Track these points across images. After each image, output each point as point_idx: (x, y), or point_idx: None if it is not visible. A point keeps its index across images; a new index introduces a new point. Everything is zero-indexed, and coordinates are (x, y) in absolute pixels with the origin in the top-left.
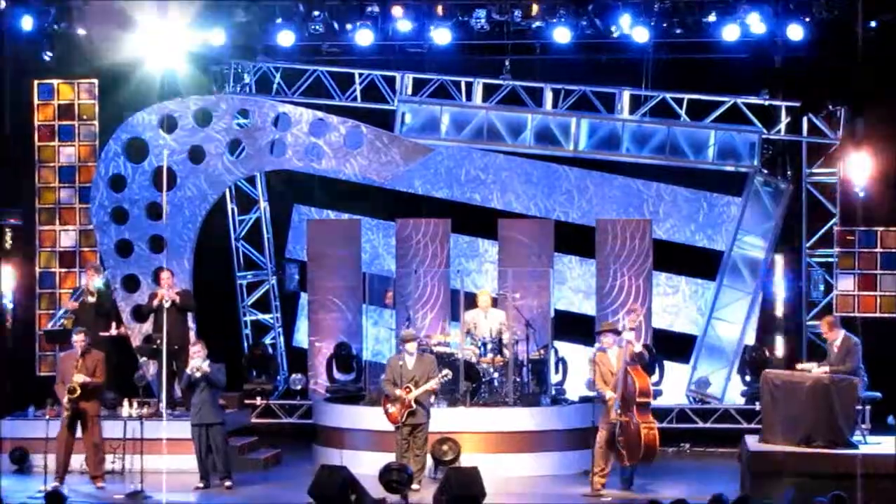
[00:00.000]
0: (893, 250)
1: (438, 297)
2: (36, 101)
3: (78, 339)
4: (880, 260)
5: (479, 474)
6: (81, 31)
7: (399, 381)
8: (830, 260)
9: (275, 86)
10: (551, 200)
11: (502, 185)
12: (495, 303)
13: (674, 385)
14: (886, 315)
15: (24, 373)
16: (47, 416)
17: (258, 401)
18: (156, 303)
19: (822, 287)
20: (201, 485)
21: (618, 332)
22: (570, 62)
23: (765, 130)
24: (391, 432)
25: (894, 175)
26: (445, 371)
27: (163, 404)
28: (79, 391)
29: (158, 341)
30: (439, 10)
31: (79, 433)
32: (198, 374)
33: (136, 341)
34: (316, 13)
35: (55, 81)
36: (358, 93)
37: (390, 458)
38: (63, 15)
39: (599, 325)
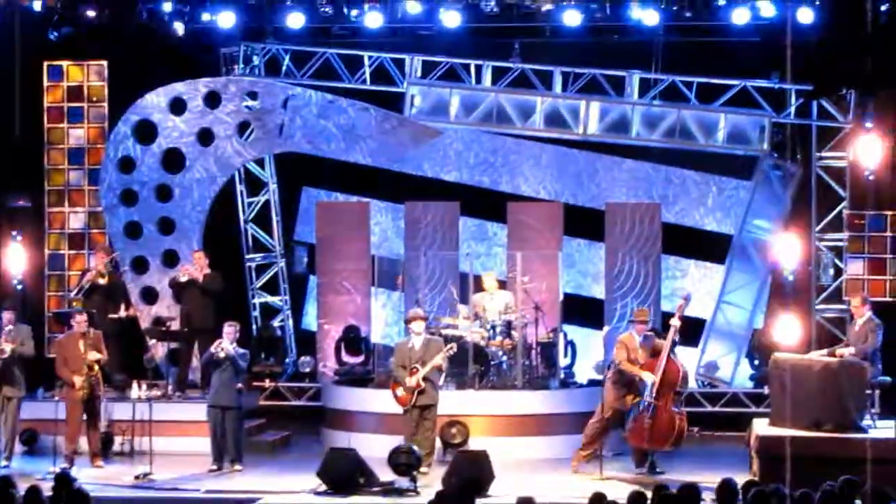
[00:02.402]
0: None
1: (447, 281)
2: (45, 83)
3: (81, 319)
4: (890, 244)
5: (488, 457)
6: (91, 13)
7: (408, 365)
8: (840, 244)
9: (284, 68)
10: (560, 184)
11: (511, 169)
12: (503, 285)
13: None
14: None
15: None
16: (56, 398)
17: (267, 383)
18: (182, 279)
19: (831, 271)
20: (214, 467)
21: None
22: (580, 45)
23: (774, 114)
24: (400, 415)
25: None
26: (450, 345)
27: (171, 386)
28: (96, 368)
29: (168, 323)
30: None
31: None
32: (221, 355)
33: (144, 323)
34: None
35: (65, 63)
36: (367, 75)
37: (399, 440)
38: None
39: (636, 313)
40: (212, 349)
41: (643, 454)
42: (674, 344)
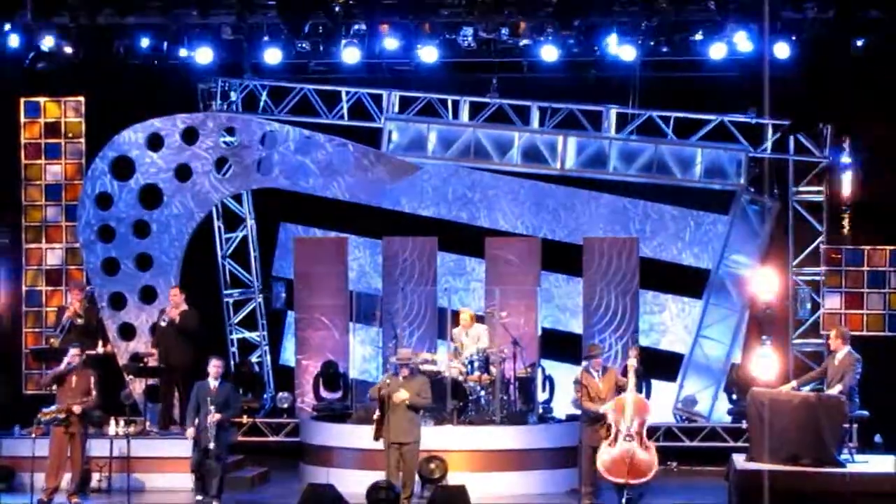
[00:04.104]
0: (880, 268)
1: (425, 316)
2: (22, 119)
3: (74, 352)
4: (867, 278)
5: (467, 493)
6: (68, 49)
7: (387, 401)
8: (817, 278)
9: (261, 104)
10: (538, 218)
11: (489, 204)
12: (480, 320)
13: (661, 403)
14: (873, 333)
15: (11, 391)
16: (33, 435)
17: (245, 419)
18: (163, 324)
19: (808, 305)
20: (200, 497)
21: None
22: (558, 80)
23: (751, 149)
24: (378, 451)
25: (881, 193)
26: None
27: (149, 423)
28: (76, 409)
29: (145, 360)
30: (426, 27)
31: None
32: (213, 428)
33: (122, 359)
34: (298, 30)
35: (42, 99)
36: (345, 111)
37: (377, 476)
38: (50, 33)
39: (588, 348)
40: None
41: (620, 489)
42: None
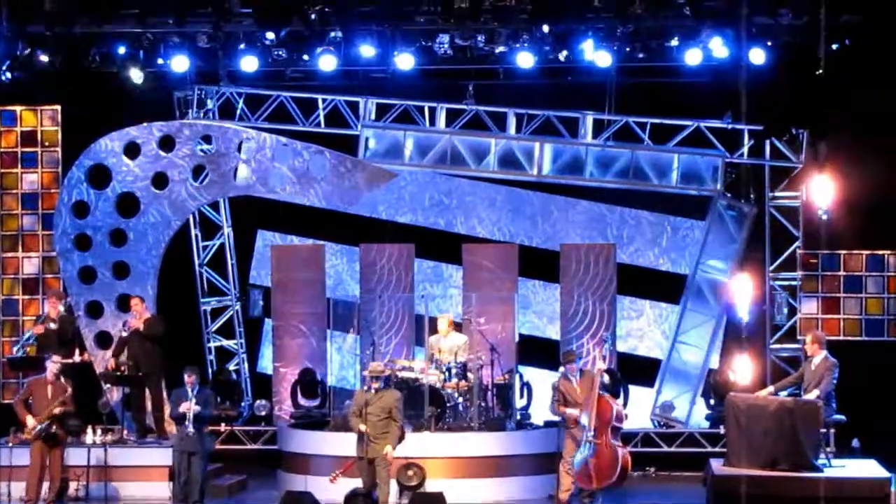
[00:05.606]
0: (856, 273)
1: (403, 323)
2: None
3: (54, 363)
4: (843, 283)
5: (445, 500)
6: (44, 58)
7: (363, 414)
8: (794, 283)
9: (238, 111)
10: (515, 225)
11: (466, 210)
12: (459, 328)
13: (638, 409)
14: (850, 338)
15: None
16: (11, 444)
17: (223, 427)
18: (123, 334)
19: (785, 310)
20: None
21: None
22: (534, 87)
23: (728, 154)
24: (356, 458)
25: (857, 198)
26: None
27: (126, 432)
28: (56, 414)
29: (123, 368)
30: (402, 35)
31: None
32: (190, 420)
33: (99, 368)
34: (274, 38)
35: (18, 108)
36: (321, 118)
37: (355, 483)
38: (27, 41)
39: (564, 355)
40: (180, 409)
41: (591, 495)
42: (603, 385)
